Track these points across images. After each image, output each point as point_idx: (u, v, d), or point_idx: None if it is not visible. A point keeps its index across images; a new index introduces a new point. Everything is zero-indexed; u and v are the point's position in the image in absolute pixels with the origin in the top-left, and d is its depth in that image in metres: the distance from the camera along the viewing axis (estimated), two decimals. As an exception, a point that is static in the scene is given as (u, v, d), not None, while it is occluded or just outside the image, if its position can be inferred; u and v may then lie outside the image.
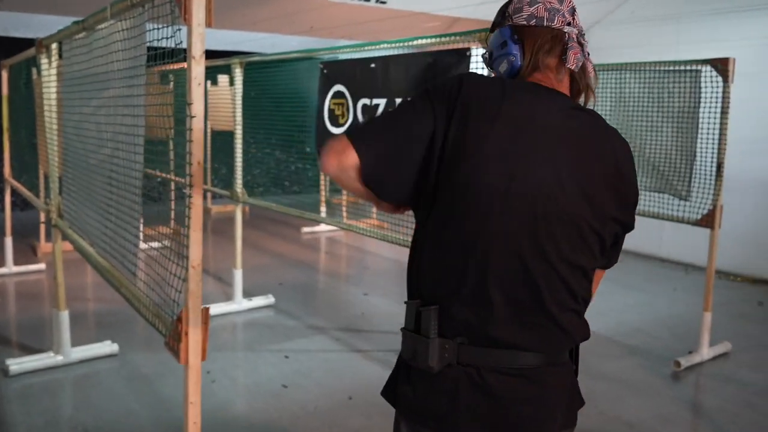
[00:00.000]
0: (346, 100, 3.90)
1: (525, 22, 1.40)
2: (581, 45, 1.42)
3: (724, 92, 4.22)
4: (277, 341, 4.58)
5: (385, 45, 3.66)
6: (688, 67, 4.47)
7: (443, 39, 3.30)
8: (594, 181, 1.34)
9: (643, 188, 4.83)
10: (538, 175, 1.28)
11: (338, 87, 3.96)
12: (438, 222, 1.31)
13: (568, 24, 1.41)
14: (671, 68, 4.57)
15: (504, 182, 1.26)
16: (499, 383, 1.32)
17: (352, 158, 1.29)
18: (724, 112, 4.25)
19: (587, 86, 1.45)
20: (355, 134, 1.32)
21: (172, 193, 7.69)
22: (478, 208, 1.27)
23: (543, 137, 1.31)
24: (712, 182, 4.37)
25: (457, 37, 3.21)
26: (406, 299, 1.41)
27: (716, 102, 4.31)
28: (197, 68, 1.88)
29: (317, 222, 8.03)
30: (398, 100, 3.54)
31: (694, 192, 4.53)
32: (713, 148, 4.35)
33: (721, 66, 4.20)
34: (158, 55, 2.08)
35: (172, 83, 7.22)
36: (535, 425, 1.36)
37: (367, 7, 6.45)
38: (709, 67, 4.33)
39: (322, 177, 9.27)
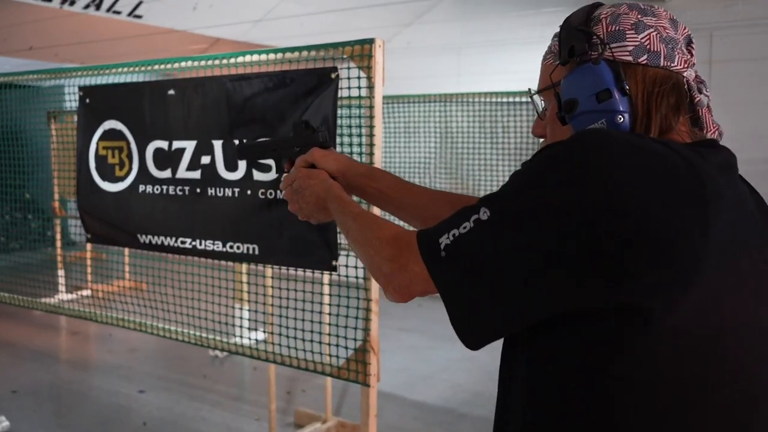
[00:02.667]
0: (127, 142, 2.66)
1: (630, 58, 0.93)
2: (705, 88, 0.98)
3: (566, 126, 3.81)
4: (23, 499, 3.08)
5: (189, 62, 2.53)
6: (525, 99, 4.01)
7: (289, 55, 2.29)
8: None
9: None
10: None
11: (112, 123, 2.70)
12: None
13: (689, 64, 0.96)
14: (504, 100, 4.08)
15: (754, 331, 0.85)
16: None
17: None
18: (567, 148, 3.84)
19: None
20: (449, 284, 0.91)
21: None
22: (729, 377, 0.83)
23: (752, 222, 0.90)
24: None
25: (312, 52, 2.23)
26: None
27: (558, 137, 3.89)
28: None
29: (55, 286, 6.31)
30: (216, 144, 2.43)
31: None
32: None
33: (563, 97, 3.78)
34: None
35: None
36: None
37: (118, 22, 5.10)
38: (548, 99, 3.90)
39: (57, 228, 7.46)
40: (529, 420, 0.93)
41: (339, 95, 2.20)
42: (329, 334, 2.38)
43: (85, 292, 6.40)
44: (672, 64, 0.93)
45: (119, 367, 5.03)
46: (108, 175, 2.73)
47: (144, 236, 2.66)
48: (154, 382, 4.63)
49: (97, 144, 2.76)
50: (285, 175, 1.37)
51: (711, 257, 0.81)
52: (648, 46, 0.93)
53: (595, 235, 0.79)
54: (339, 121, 2.20)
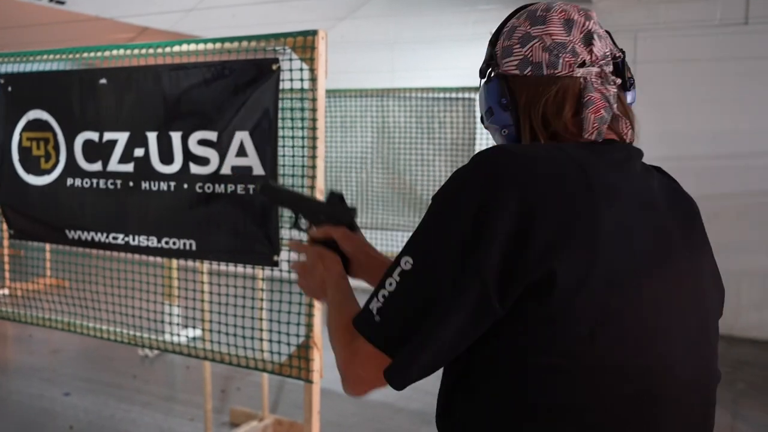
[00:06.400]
0: (53, 133, 2.53)
1: (517, 72, 1.00)
2: (610, 84, 0.99)
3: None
4: None
5: (121, 51, 2.43)
6: (461, 95, 4.05)
7: (228, 45, 2.23)
8: (709, 254, 1.04)
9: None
10: (678, 274, 0.96)
11: (36, 113, 2.57)
12: (565, 395, 0.87)
13: (582, 64, 0.98)
14: (441, 96, 4.11)
15: (652, 306, 0.91)
16: None
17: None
18: (502, 144, 3.91)
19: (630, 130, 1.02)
20: (395, 350, 0.90)
21: None
22: (631, 353, 0.89)
23: (653, 217, 0.96)
24: (494, 221, 4.00)
25: (252, 43, 2.18)
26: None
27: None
28: None
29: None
30: (150, 136, 2.34)
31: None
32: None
33: (498, 94, 3.84)
34: None
35: None
36: None
37: (37, 7, 4.85)
38: (484, 95, 3.94)
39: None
40: (465, 407, 0.96)
41: (280, 87, 2.16)
42: (270, 330, 2.34)
43: (2, 291, 6.09)
44: (555, 71, 0.97)
45: (42, 369, 4.81)
46: (33, 167, 2.60)
47: (73, 232, 2.54)
48: (80, 385, 4.45)
49: (21, 135, 2.62)
50: (300, 245, 1.30)
51: (604, 245, 0.87)
52: (531, 58, 0.98)
53: (503, 252, 0.85)
54: (280, 114, 2.16)
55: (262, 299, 2.67)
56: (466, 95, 4.07)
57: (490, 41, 1.05)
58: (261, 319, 2.35)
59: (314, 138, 2.10)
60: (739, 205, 5.53)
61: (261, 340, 2.34)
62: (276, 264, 2.20)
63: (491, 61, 1.03)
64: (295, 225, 1.32)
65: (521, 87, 0.99)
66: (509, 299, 0.86)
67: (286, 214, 2.21)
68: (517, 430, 0.90)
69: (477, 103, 1.11)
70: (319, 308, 2.15)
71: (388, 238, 4.39)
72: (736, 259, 5.24)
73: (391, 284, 0.91)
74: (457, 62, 6.49)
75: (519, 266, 0.84)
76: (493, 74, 1.02)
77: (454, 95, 4.10)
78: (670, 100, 5.47)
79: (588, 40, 0.99)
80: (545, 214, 0.85)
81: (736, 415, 4.03)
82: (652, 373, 0.91)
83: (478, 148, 4.10)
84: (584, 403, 0.88)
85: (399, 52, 6.89)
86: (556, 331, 0.86)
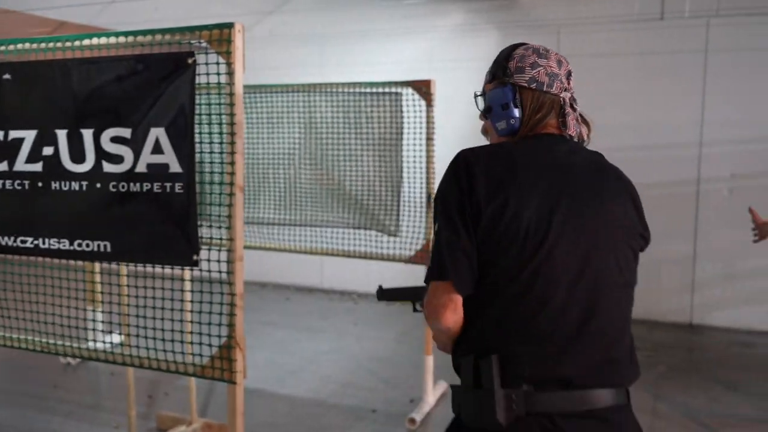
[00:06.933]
0: (-46, 131, 2.38)
1: (526, 84, 1.52)
2: (574, 109, 1.56)
3: (428, 116, 3.89)
4: None
5: (27, 44, 2.31)
6: (388, 90, 4.04)
7: (141, 38, 2.15)
8: (621, 200, 1.51)
9: (345, 225, 4.26)
10: (574, 208, 1.44)
11: (-65, 111, 2.41)
12: (495, 277, 1.42)
13: (565, 89, 1.54)
14: (369, 90, 4.08)
15: (546, 224, 1.41)
16: (574, 428, 1.35)
17: (458, 301, 1.44)
18: (429, 138, 3.92)
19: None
20: (446, 274, 1.43)
21: None
22: (530, 251, 1.40)
23: (563, 176, 1.47)
24: (423, 215, 4.01)
25: (167, 36, 2.10)
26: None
27: (420, 127, 3.96)
28: None
29: None
30: (60, 134, 2.23)
31: (404, 227, 4.13)
32: (421, 178, 3.99)
33: (424, 88, 3.85)
34: None
35: None
36: None
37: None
38: (410, 90, 3.95)
39: None
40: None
41: (197, 82, 2.09)
42: (191, 333, 2.27)
43: None
44: (551, 90, 1.51)
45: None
46: (-69, 168, 2.44)
47: (-23, 236, 2.40)
48: (-3, 396, 4.24)
49: None
50: None
51: (517, 191, 1.41)
52: (537, 78, 1.51)
53: (466, 198, 1.43)
54: (198, 110, 2.09)
55: (182, 300, 2.60)
56: (394, 90, 4.06)
57: (500, 59, 1.56)
58: (182, 321, 2.28)
59: (233, 134, 2.05)
60: (659, 194, 5.74)
61: (182, 342, 2.27)
62: (196, 264, 2.13)
63: (506, 71, 1.52)
64: (415, 310, 1.70)
65: (527, 95, 1.51)
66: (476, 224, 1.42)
67: (205, 212, 2.16)
68: (474, 303, 1.44)
69: (477, 99, 1.64)
70: (241, 307, 2.10)
71: (317, 235, 4.34)
72: (656, 246, 5.39)
73: (433, 243, 1.46)
74: (385, 57, 6.50)
75: (472, 206, 1.41)
76: (508, 82, 1.52)
77: (381, 90, 4.08)
78: (592, 93, 5.58)
79: (568, 75, 1.55)
80: (480, 178, 1.42)
81: (657, 397, 4.18)
82: (547, 267, 1.39)
83: (405, 143, 4.11)
84: (502, 280, 1.40)
85: (328, 47, 6.84)
86: (489, 246, 1.40)
